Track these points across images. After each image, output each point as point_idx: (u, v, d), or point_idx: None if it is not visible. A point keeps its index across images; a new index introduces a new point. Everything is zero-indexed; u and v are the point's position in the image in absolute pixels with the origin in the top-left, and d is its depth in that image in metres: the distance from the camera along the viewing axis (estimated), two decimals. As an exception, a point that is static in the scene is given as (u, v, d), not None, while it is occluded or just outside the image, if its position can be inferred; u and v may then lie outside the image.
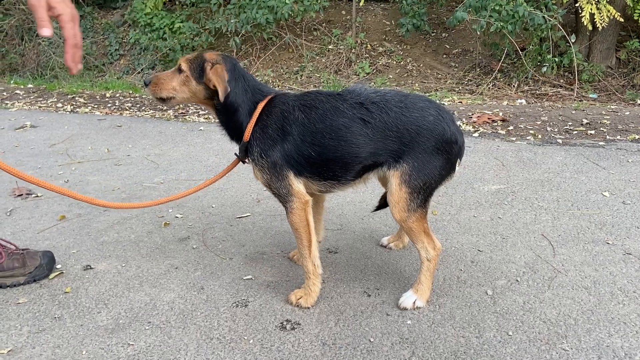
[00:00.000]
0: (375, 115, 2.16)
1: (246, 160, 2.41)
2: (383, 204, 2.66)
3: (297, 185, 2.26)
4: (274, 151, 2.23)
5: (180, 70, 2.35)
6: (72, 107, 7.13)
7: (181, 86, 2.35)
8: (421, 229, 2.25)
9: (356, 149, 2.17)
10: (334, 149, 2.18)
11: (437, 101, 2.33)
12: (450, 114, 2.24)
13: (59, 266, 2.73)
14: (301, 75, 8.49)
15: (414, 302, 2.28)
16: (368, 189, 3.75)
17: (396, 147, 2.16)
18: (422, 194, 2.17)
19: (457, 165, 2.26)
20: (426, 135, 2.14)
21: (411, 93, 2.32)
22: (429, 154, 2.14)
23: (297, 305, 2.32)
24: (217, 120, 2.44)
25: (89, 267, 2.73)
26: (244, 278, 2.59)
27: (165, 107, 6.92)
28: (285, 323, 2.21)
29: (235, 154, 2.43)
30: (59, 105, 7.26)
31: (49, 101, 7.51)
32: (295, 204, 2.27)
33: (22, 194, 3.76)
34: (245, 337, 2.13)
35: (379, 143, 2.16)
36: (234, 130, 2.38)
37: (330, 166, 2.22)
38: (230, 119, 2.35)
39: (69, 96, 7.78)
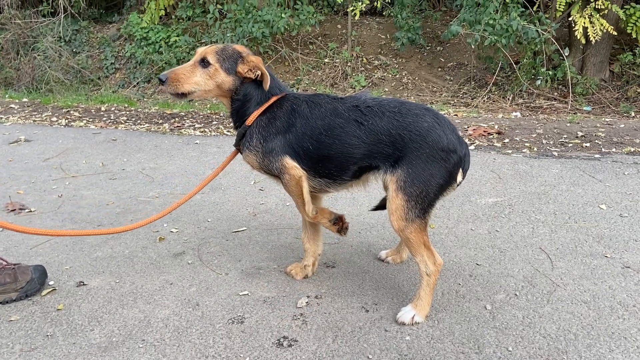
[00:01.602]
0: (368, 118, 2.23)
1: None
2: (381, 205, 2.64)
3: (291, 162, 2.34)
4: (275, 139, 2.35)
5: (205, 64, 2.38)
6: (66, 120, 7.11)
7: (206, 80, 2.39)
8: (420, 241, 2.23)
9: (350, 149, 2.25)
10: (329, 146, 2.27)
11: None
12: (451, 124, 2.24)
13: (51, 282, 2.69)
14: (297, 89, 8.51)
15: (413, 317, 2.25)
16: (365, 202, 3.73)
17: (390, 151, 2.20)
18: (419, 202, 2.16)
19: (459, 176, 2.24)
20: (419, 141, 2.14)
21: (410, 101, 2.33)
22: (423, 161, 2.14)
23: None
24: (229, 110, 2.54)
25: (82, 283, 2.69)
26: (240, 294, 2.55)
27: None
28: (282, 340, 2.18)
29: (234, 145, 2.57)
30: (54, 119, 7.24)
31: (43, 115, 7.48)
32: (289, 178, 2.36)
33: (15, 209, 3.72)
34: (242, 355, 2.09)
35: (372, 146, 2.22)
36: (241, 118, 2.48)
37: (325, 163, 2.31)
38: (243, 106, 2.46)
39: (63, 110, 7.76)
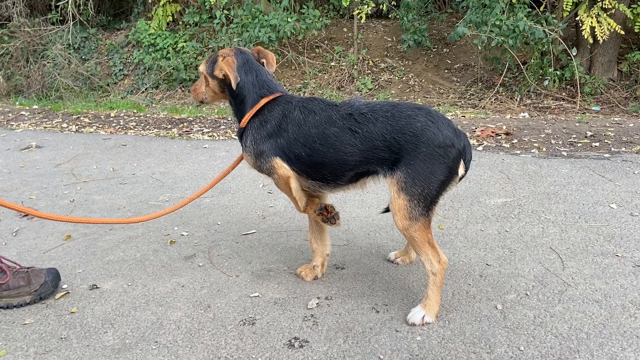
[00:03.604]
0: (362, 125, 2.23)
1: None
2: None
3: (280, 162, 2.38)
4: (266, 143, 2.40)
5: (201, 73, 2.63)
6: (77, 127, 7.18)
7: (205, 87, 2.65)
8: (425, 239, 2.23)
9: (344, 157, 2.26)
10: (322, 154, 2.29)
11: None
12: (445, 119, 2.22)
13: (65, 286, 2.72)
14: (304, 92, 8.54)
15: (423, 318, 2.25)
16: (373, 203, 3.74)
17: (387, 155, 2.20)
18: (422, 201, 2.16)
19: (461, 169, 2.23)
20: (414, 142, 2.14)
21: (401, 102, 2.33)
22: (422, 160, 2.14)
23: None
24: (232, 112, 2.68)
25: (95, 286, 2.72)
26: (251, 295, 2.57)
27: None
28: (293, 341, 2.19)
29: None
30: (64, 125, 7.32)
31: (54, 121, 7.56)
32: (277, 178, 2.42)
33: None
34: (253, 356, 2.10)
35: (367, 152, 2.23)
36: (240, 119, 2.56)
37: (319, 169, 2.34)
38: (238, 108, 2.56)
39: (73, 116, 7.84)
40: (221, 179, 2.80)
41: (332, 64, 8.96)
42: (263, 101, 2.46)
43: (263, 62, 2.62)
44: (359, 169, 2.28)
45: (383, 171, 2.24)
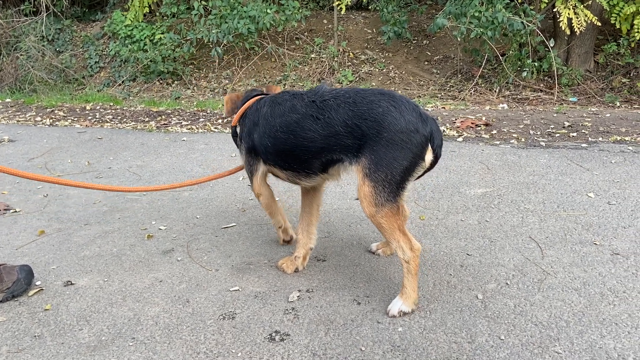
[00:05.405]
0: (324, 112, 2.25)
1: None
2: None
3: (263, 167, 2.63)
4: (249, 139, 2.59)
5: None
6: (51, 120, 7.01)
7: None
8: (394, 226, 2.20)
9: (305, 143, 2.29)
10: (283, 141, 2.36)
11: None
12: (410, 103, 2.18)
13: (38, 283, 2.64)
14: (284, 85, 8.47)
15: (399, 308, 2.24)
16: (355, 194, 3.72)
17: (350, 142, 2.20)
18: (387, 187, 2.13)
19: (429, 154, 2.17)
20: (376, 127, 2.12)
21: (366, 88, 2.32)
22: (384, 145, 2.11)
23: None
24: None
25: (69, 282, 2.64)
26: (231, 289, 2.53)
27: None
28: (274, 334, 2.16)
29: None
30: (38, 119, 7.13)
31: (27, 115, 7.37)
32: (254, 184, 2.70)
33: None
34: (233, 351, 2.07)
35: (329, 138, 2.24)
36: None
37: (284, 157, 2.43)
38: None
39: (48, 110, 7.65)
40: (220, 177, 3.14)
41: (313, 56, 8.90)
42: (247, 104, 2.68)
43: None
44: (324, 156, 2.29)
45: (348, 158, 2.23)
